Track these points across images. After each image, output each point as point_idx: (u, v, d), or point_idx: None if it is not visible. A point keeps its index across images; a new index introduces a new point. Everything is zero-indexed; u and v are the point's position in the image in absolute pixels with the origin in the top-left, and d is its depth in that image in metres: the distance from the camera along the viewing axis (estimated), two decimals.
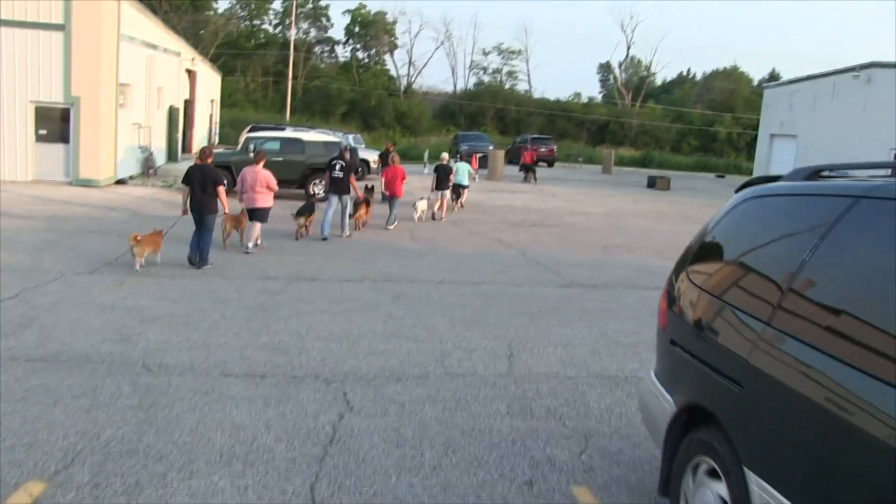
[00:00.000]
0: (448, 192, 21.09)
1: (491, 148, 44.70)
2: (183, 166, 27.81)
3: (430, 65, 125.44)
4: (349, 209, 16.75)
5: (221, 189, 12.42)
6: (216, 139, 45.94)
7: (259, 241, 14.26)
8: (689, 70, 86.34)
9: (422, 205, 20.24)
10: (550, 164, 49.70)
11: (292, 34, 65.52)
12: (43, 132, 23.16)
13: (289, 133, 24.99)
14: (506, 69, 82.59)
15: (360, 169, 24.57)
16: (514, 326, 9.51)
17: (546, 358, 8.27)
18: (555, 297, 11.48)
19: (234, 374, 7.11)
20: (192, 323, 8.85)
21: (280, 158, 23.13)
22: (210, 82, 44.28)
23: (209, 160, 12.78)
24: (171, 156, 33.38)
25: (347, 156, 17.25)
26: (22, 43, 22.31)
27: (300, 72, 69.72)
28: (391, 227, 18.25)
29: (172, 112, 33.16)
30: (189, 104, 38.16)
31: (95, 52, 22.78)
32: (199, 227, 12.34)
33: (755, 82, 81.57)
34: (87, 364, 7.22)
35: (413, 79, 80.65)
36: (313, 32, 78.75)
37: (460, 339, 8.77)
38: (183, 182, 12.59)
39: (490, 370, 7.73)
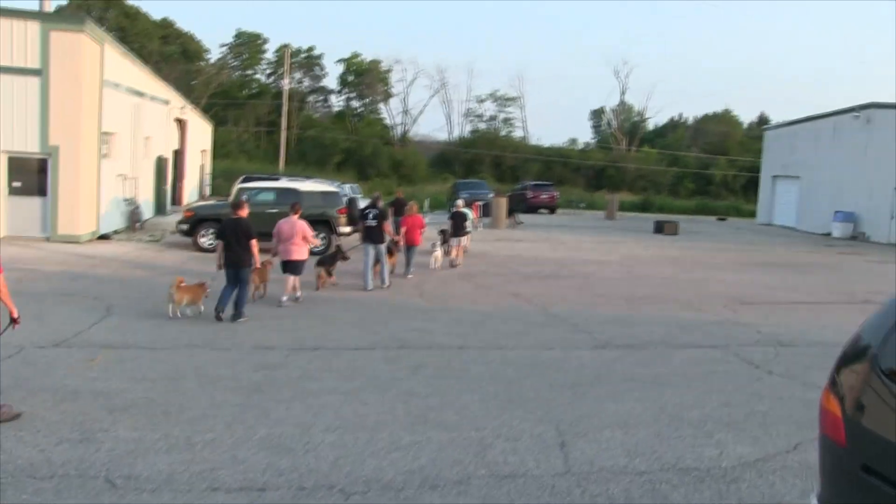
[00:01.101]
0: (464, 240, 21.07)
1: (491, 196, 43.40)
2: (172, 219, 26.48)
3: (425, 113, 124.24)
4: (384, 256, 16.50)
5: (254, 242, 12.13)
6: (208, 190, 44.61)
7: (298, 294, 14.01)
8: (680, 115, 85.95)
9: (438, 254, 19.91)
10: (552, 211, 48.43)
11: (286, 84, 64.66)
12: (17, 184, 21.63)
13: (284, 183, 23.59)
14: (501, 116, 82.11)
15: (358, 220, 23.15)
16: (558, 403, 8.01)
17: (605, 445, 6.76)
18: (593, 362, 9.98)
19: (224, 488, 5.57)
20: (174, 412, 7.30)
21: (275, 210, 21.67)
22: (201, 132, 43.05)
23: (243, 213, 12.39)
24: (160, 208, 31.93)
25: (380, 204, 17.03)
26: None
27: (294, 121, 68.77)
28: (410, 276, 17.87)
29: (161, 162, 31.79)
30: (179, 154, 36.84)
31: (76, 98, 21.37)
32: (233, 281, 12.10)
33: (745, 125, 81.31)
34: (30, 481, 5.65)
35: (408, 127, 79.94)
36: (307, 82, 78.20)
37: (499, 424, 7.25)
38: (217, 237, 12.50)
39: (543, 466, 6.21)
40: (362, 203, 29.84)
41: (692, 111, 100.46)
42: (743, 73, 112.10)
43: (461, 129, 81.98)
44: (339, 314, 13.06)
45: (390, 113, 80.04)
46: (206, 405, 7.52)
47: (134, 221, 26.45)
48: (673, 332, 12.44)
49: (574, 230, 35.21)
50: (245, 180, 29.58)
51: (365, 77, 75.78)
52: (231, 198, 22.38)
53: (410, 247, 18.11)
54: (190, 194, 39.28)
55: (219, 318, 11.84)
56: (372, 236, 16.11)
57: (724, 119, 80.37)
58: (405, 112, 79.91)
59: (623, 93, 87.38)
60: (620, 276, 19.70)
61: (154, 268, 17.96)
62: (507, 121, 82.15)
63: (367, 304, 14.11)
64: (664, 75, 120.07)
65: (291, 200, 21.56)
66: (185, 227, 21.92)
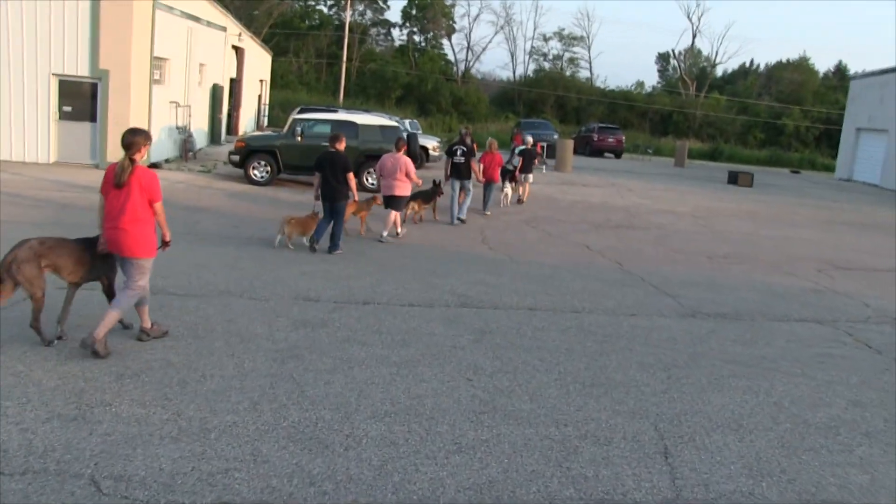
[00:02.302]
0: (531, 177, 21.35)
1: (556, 137, 41.64)
2: (226, 149, 25.43)
3: (488, 50, 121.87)
4: (467, 195, 16.81)
5: (351, 176, 12.09)
6: (265, 121, 43.55)
7: (399, 231, 14.06)
8: (752, 61, 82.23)
9: (507, 191, 20.06)
10: (618, 156, 46.50)
11: (347, 15, 62.83)
12: (67, 109, 20.73)
13: (341, 115, 22.26)
14: (566, 56, 79.11)
15: (419, 157, 21.78)
16: (651, 390, 6.66)
17: (719, 457, 5.42)
18: (684, 336, 8.59)
19: (235, 502, 4.34)
20: (192, 381, 6.11)
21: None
22: (259, 61, 41.79)
23: (341, 146, 12.26)
24: (214, 138, 30.92)
25: (468, 140, 17.05)
26: (45, 10, 19.87)
27: (355, 54, 67.17)
28: (488, 213, 18.25)
29: (216, 91, 30.67)
30: (236, 83, 35.69)
31: (127, 21, 20.27)
32: (328, 215, 12.16)
33: (821, 74, 77.48)
34: None
35: (471, 64, 77.73)
36: (369, 14, 76.13)
37: (583, 417, 5.93)
38: (314, 169, 12.23)
39: (646, 487, 4.89)
40: (423, 140, 28.61)
41: (764, 58, 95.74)
42: (821, 19, 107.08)
43: (525, 67, 79.64)
44: (395, 260, 11.82)
45: (453, 49, 77.85)
46: (232, 374, 6.31)
47: (186, 150, 25.45)
48: (767, 300, 10.96)
49: (642, 177, 33.44)
50: (301, 111, 28.35)
51: (428, 11, 73.46)
52: (285, 129, 21.15)
53: (489, 183, 18.21)
54: (247, 124, 38.26)
55: (313, 250, 11.94)
56: (459, 172, 16.44)
57: (799, 67, 76.43)
58: (468, 48, 77.73)
59: (695, 35, 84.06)
60: (697, 230, 18.15)
61: (200, 199, 16.88)
62: (572, 61, 79.29)
63: (426, 251, 12.85)
64: (737, 18, 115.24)
65: (349, 134, 20.46)
66: (236, 158, 20.81)
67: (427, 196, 16.24)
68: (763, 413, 6.29)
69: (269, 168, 20.57)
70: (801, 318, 9.95)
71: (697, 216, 21.00)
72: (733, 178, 33.67)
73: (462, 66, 76.69)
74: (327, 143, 20.09)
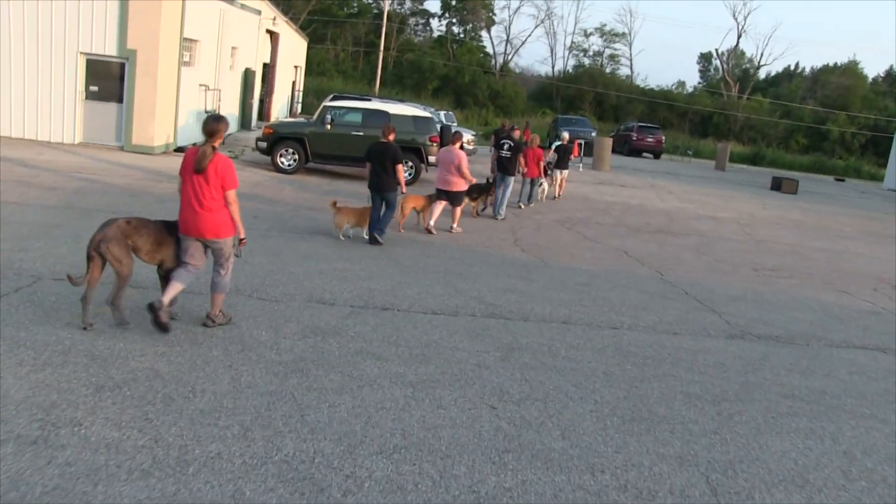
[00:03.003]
0: (566, 172, 21.41)
1: (594, 134, 40.67)
2: (255, 135, 24.80)
3: (527, 44, 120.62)
4: (508, 190, 16.61)
5: (400, 167, 11.92)
6: (298, 108, 42.93)
7: (454, 226, 14.06)
8: (797, 64, 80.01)
9: (544, 185, 19.84)
10: (657, 156, 45.41)
11: (386, 3, 62.01)
12: (94, 89, 20.17)
13: (372, 104, 21.54)
14: (607, 52, 77.93)
15: None
16: (700, 430, 5.84)
17: None
18: (734, 362, 7.75)
19: None
20: (179, 397, 5.39)
21: (361, 133, 19.77)
22: (295, 47, 41.15)
23: (391, 137, 12.07)
24: (245, 123, 30.31)
25: (516, 135, 17.20)
26: None
27: (392, 44, 66.46)
28: (522, 206, 18.33)
29: (248, 75, 30.06)
30: (269, 68, 35.07)
31: (156, 0, 19.64)
32: (376, 204, 12.03)
33: (870, 80, 75.44)
34: None
35: (509, 57, 76.78)
36: (408, 3, 75.31)
37: (624, 461, 5.14)
38: (365, 159, 12.23)
39: None
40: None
41: (810, 61, 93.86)
42: (872, 22, 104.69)
43: (564, 62, 78.50)
44: (421, 260, 11.07)
45: (492, 41, 77.12)
46: (226, 390, 5.59)
47: None
48: (822, 321, 10.07)
49: (681, 179, 32.43)
50: (334, 99, 27.67)
51: (468, 2, 72.54)
52: (315, 116, 20.47)
53: (533, 179, 18.25)
54: (279, 111, 37.67)
55: (374, 243, 11.92)
56: (505, 167, 16.35)
57: (847, 71, 74.43)
58: (507, 41, 76.79)
59: (739, 35, 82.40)
60: (740, 239, 17.22)
61: None
62: (612, 57, 78.08)
63: (454, 251, 12.08)
64: (785, 18, 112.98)
65: (380, 124, 19.78)
66: (263, 144, 20.17)
67: (480, 191, 16.02)
68: (831, 465, 5.45)
69: (296, 156, 19.94)
70: (861, 344, 9.05)
71: (740, 223, 20.07)
72: (777, 185, 32.54)
73: (500, 60, 75.85)
74: (357, 133, 19.65)
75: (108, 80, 20.20)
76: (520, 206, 18.11)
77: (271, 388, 5.70)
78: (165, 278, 6.92)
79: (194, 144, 6.73)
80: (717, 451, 5.46)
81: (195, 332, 6.81)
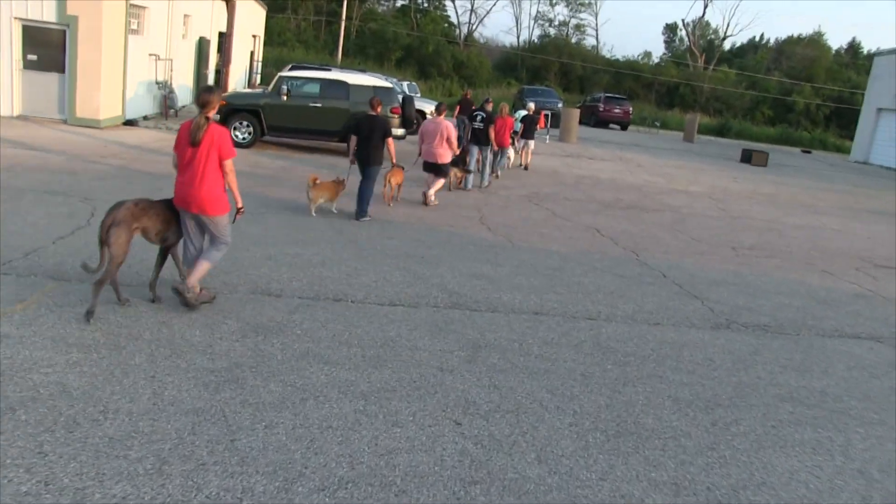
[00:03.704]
0: (532, 143, 21.37)
1: (560, 105, 39.91)
2: None
3: (492, 13, 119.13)
4: (489, 159, 16.95)
5: (391, 141, 11.85)
6: (257, 78, 41.59)
7: (432, 193, 13.79)
8: (762, 35, 79.64)
9: (510, 153, 19.99)
10: (624, 128, 44.77)
11: None
12: (33, 58, 18.96)
13: (330, 74, 20.54)
14: (573, 22, 77.03)
15: (414, 121, 20.10)
16: (695, 447, 5.10)
17: None
18: (723, 357, 7.03)
19: None
20: (85, 420, 4.52)
21: (318, 104, 18.82)
22: (252, 15, 39.74)
23: (379, 109, 11.91)
24: None
25: (489, 107, 17.18)
26: None
27: (355, 13, 65.00)
28: (498, 174, 18.53)
29: (202, 44, 28.85)
30: (225, 37, 33.74)
31: None
32: (363, 178, 11.80)
33: (833, 52, 75.28)
34: None
35: (474, 27, 75.64)
36: None
37: (610, 492, 4.38)
38: (351, 132, 12.07)
39: None
40: (421, 103, 26.87)
41: (775, 32, 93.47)
42: None
43: (530, 32, 77.57)
44: (380, 242, 10.23)
45: (456, 11, 76.04)
46: (145, 408, 4.74)
47: (167, 107, 23.73)
48: (809, 307, 9.40)
49: (650, 151, 31.79)
50: (293, 69, 26.59)
51: None
52: (271, 86, 19.47)
53: (501, 148, 18.07)
54: (237, 82, 36.36)
55: (357, 218, 11.74)
56: (478, 138, 16.54)
57: (812, 43, 74.25)
58: (472, 10, 75.77)
59: (706, 5, 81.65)
60: (716, 215, 16.57)
61: (172, 161, 15.26)
62: (578, 27, 77.22)
63: (416, 231, 11.26)
64: None
65: (339, 94, 18.87)
66: (216, 117, 19.08)
67: (456, 162, 15.59)
68: (848, 489, 4.73)
69: (251, 129, 18.92)
70: (854, 333, 8.39)
71: (713, 198, 19.44)
72: (747, 157, 32.02)
73: (465, 30, 74.66)
74: (315, 105, 18.68)
75: (48, 49, 18.99)
76: (497, 174, 18.33)
77: (199, 405, 4.87)
78: (163, 256, 6.89)
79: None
80: (716, 473, 4.73)
81: (119, 331, 5.94)
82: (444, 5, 74.59)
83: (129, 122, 20.79)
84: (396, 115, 19.14)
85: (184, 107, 25.97)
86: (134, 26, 20.96)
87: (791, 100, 65.27)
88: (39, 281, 6.95)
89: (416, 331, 6.76)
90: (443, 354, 6.23)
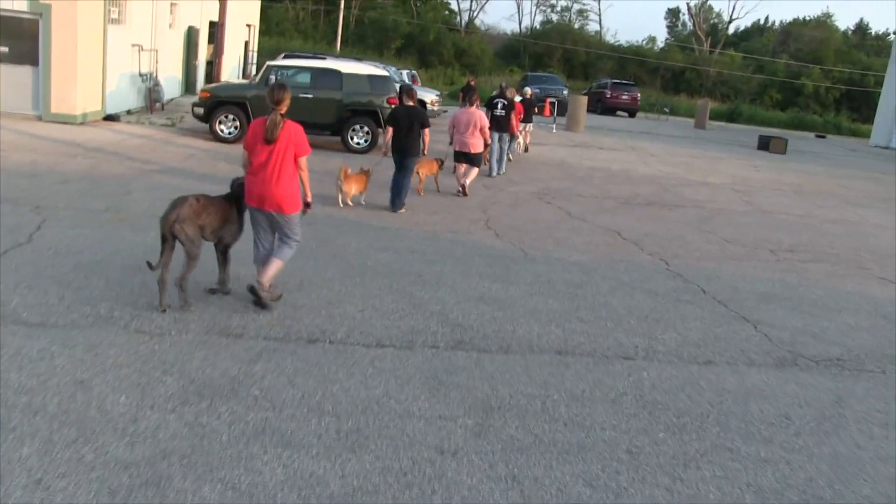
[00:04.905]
0: (531, 126, 20.99)
1: (566, 92, 38.33)
2: None
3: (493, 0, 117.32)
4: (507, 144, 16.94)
5: (427, 131, 11.75)
6: (252, 69, 40.06)
7: (465, 184, 13.57)
8: (766, 18, 77.67)
9: (519, 138, 19.54)
10: (632, 115, 43.16)
11: None
12: (3, 50, 17.46)
13: (322, 63, 19.03)
14: (576, 7, 75.19)
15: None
16: None
17: None
18: (801, 412, 5.54)
19: None
20: None
21: (310, 95, 17.32)
22: (246, 4, 38.10)
23: (414, 101, 11.82)
24: (189, 86, 27.60)
25: (510, 94, 16.84)
26: None
27: (354, 2, 63.35)
28: (511, 157, 18.38)
29: (191, 34, 27.33)
30: (217, 27, 32.21)
31: None
32: (399, 169, 11.67)
33: (841, 33, 73.49)
34: None
35: (475, 14, 74.05)
36: None
37: None
38: (387, 123, 11.90)
39: None
40: (422, 93, 25.38)
41: (780, 15, 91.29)
42: None
43: (532, 18, 75.89)
44: (370, 255, 8.75)
45: None
46: None
47: (152, 101, 22.24)
48: (884, 329, 7.91)
49: (662, 139, 30.24)
50: (286, 58, 25.09)
51: None
52: (258, 77, 18.00)
53: (512, 135, 17.53)
54: (230, 72, 34.77)
55: (395, 210, 11.60)
56: (499, 125, 16.21)
57: (820, 24, 72.42)
58: None
59: None
60: (742, 210, 15.09)
61: (149, 160, 13.81)
62: (581, 13, 75.37)
63: (414, 239, 9.79)
64: None
65: (331, 84, 17.35)
66: (200, 110, 17.63)
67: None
68: None
69: (238, 122, 17.43)
70: None
71: (736, 189, 17.95)
72: (765, 144, 30.41)
73: (466, 17, 72.88)
74: (306, 96, 17.16)
75: (20, 40, 17.47)
76: (508, 158, 17.84)
77: None
78: (224, 255, 6.81)
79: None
80: None
81: (17, 402, 4.48)
82: None
83: (111, 118, 19.31)
84: (393, 105, 17.64)
85: (171, 100, 24.51)
86: (114, 15, 19.47)
87: (800, 83, 63.65)
88: None
89: (408, 385, 5.28)
90: (443, 425, 4.75)
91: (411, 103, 11.72)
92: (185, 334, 5.80)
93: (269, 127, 6.37)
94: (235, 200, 6.73)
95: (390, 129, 11.59)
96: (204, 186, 11.86)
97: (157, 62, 22.74)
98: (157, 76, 22.64)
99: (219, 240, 6.68)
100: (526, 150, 20.81)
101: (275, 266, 6.54)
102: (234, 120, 17.38)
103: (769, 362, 6.56)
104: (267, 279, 6.49)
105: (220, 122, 17.41)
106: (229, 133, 17.37)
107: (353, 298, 7.12)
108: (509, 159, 18.01)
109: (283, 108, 6.48)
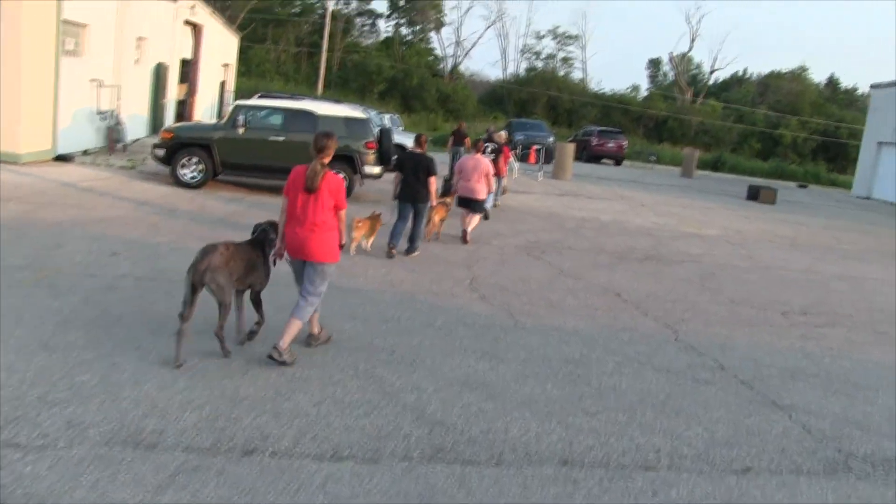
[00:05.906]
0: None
1: (552, 139, 37.35)
2: None
3: (478, 46, 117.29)
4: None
5: (433, 180, 11.61)
6: (228, 109, 38.91)
7: (469, 229, 13.44)
8: (745, 70, 77.61)
9: (504, 181, 19.07)
10: (618, 162, 42.23)
11: (330, 2, 57.81)
12: None
13: (296, 104, 17.78)
14: (560, 55, 74.74)
15: (393, 157, 17.24)
16: None
17: None
18: None
19: None
20: None
21: (281, 138, 16.08)
22: (223, 42, 37.01)
23: (423, 148, 11.77)
24: (156, 126, 26.29)
25: (497, 138, 17.46)
26: None
27: (337, 45, 62.55)
28: (498, 204, 18.09)
29: (160, 71, 26.09)
30: (191, 65, 31.11)
31: None
32: (403, 215, 11.67)
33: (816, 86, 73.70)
34: None
35: (460, 60, 73.02)
36: (354, 3, 71.11)
37: None
38: (395, 168, 12.16)
39: None
40: (401, 138, 24.19)
41: (757, 67, 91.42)
42: (817, 31, 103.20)
43: (516, 65, 75.25)
44: (338, 324, 7.41)
45: (441, 43, 73.47)
46: None
47: (112, 140, 20.90)
48: None
49: (651, 188, 29.24)
50: (261, 98, 23.88)
51: (416, 2, 68.81)
52: (226, 117, 16.73)
53: (498, 177, 17.44)
54: (204, 112, 33.62)
55: (391, 256, 11.37)
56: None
57: (796, 77, 72.55)
58: (457, 43, 73.16)
59: (693, 39, 79.98)
60: (744, 265, 13.97)
61: (95, 208, 12.42)
62: (566, 60, 74.89)
63: (387, 303, 8.49)
64: (737, 23, 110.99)
65: (305, 127, 16.02)
66: (160, 152, 16.27)
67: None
68: None
69: (202, 166, 16.07)
70: None
71: (731, 242, 16.84)
72: (754, 194, 29.42)
73: (450, 63, 72.14)
74: (277, 139, 15.91)
75: None
76: (496, 204, 17.59)
77: None
78: (256, 301, 6.68)
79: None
80: None
81: None
82: (430, 37, 72.31)
83: (63, 158, 17.94)
84: (371, 151, 16.43)
85: (137, 140, 23.19)
86: (70, 46, 18.25)
87: (778, 133, 63.74)
88: None
89: None
90: None
91: (419, 150, 11.68)
92: (77, 447, 4.43)
93: (310, 175, 6.28)
94: (260, 245, 6.59)
95: (398, 175, 11.67)
96: (152, 239, 10.56)
97: (119, 99, 21.47)
98: (118, 114, 21.34)
99: (248, 286, 6.53)
100: (503, 191, 19.68)
101: (294, 327, 6.25)
102: (198, 163, 16.05)
103: (818, 468, 5.30)
104: (285, 343, 6.19)
105: (182, 166, 16.07)
106: (192, 178, 16.04)
107: (307, 387, 5.78)
108: (496, 205, 17.49)
109: (327, 158, 6.35)
